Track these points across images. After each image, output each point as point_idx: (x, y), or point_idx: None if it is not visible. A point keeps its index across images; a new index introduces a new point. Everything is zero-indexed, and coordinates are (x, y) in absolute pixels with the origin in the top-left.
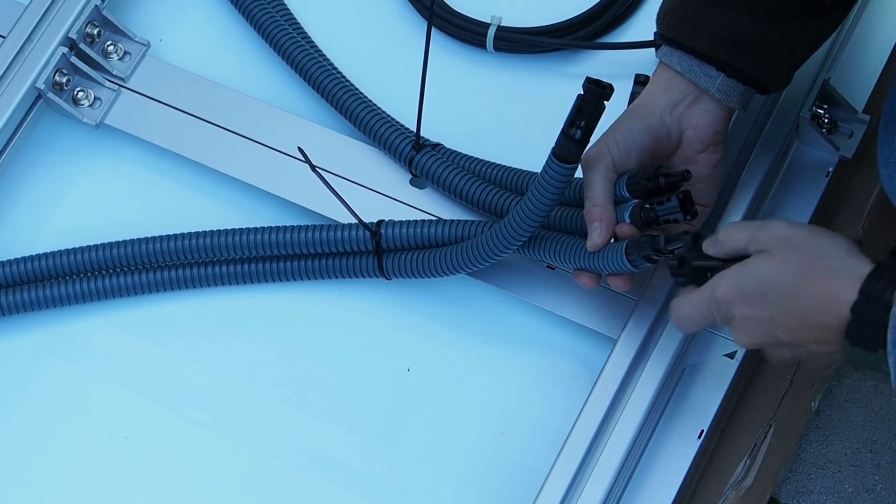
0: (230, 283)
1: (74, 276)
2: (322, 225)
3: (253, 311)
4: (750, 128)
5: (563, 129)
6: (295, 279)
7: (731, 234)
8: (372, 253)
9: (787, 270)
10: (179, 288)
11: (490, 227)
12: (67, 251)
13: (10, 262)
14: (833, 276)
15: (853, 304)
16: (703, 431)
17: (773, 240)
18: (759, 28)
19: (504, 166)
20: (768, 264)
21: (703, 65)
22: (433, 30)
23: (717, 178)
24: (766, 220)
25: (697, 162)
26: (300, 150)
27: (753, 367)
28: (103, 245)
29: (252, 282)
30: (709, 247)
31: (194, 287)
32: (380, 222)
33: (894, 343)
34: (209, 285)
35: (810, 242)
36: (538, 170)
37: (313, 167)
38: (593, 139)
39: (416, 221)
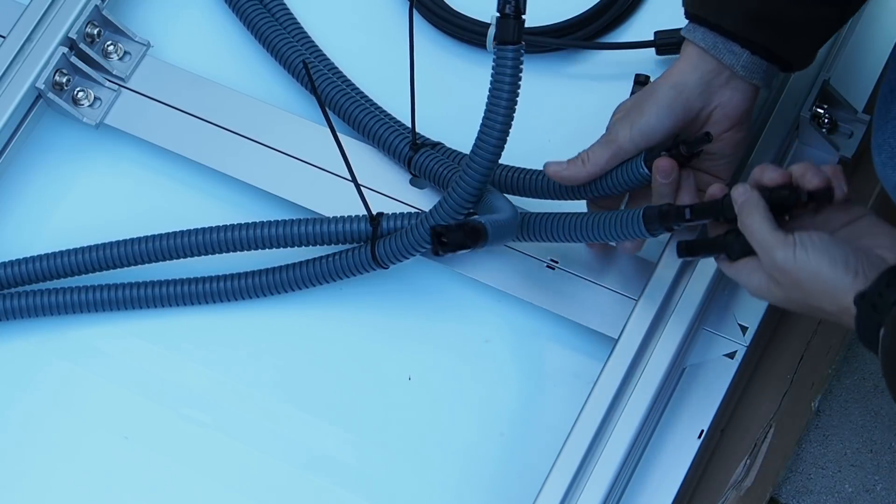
0: (229, 300)
1: (79, 282)
2: (319, 218)
3: (253, 316)
4: (750, 128)
5: (497, 12)
6: (293, 289)
7: (752, 227)
8: (366, 244)
9: (791, 301)
10: (185, 304)
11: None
12: (66, 252)
13: (12, 262)
14: (833, 316)
15: (858, 338)
16: (703, 431)
17: (777, 273)
18: (783, 5)
19: (503, 165)
20: (774, 291)
21: (728, 42)
22: (433, 30)
23: (737, 156)
24: (779, 241)
25: (722, 140)
26: (304, 64)
27: (753, 367)
28: (96, 246)
29: (250, 297)
30: (740, 196)
31: (199, 303)
32: (380, 214)
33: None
34: (212, 302)
35: (811, 286)
36: (536, 168)
37: (321, 103)
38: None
39: (415, 213)
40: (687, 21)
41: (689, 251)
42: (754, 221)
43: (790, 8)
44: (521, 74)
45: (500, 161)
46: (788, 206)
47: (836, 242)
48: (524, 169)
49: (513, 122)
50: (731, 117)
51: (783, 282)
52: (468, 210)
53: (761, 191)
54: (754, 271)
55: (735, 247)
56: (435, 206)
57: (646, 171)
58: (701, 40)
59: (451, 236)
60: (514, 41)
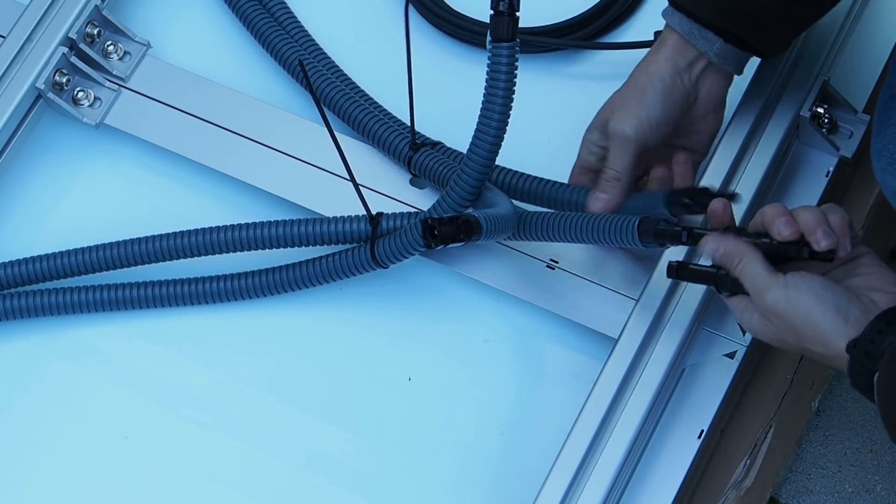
0: (229, 301)
1: (79, 283)
2: (318, 218)
3: (253, 317)
4: (750, 128)
5: (492, 10)
6: (293, 289)
7: (746, 272)
8: (366, 244)
9: (783, 342)
10: (185, 304)
11: (462, 161)
12: (66, 252)
13: (12, 262)
14: (827, 360)
15: (851, 383)
16: (703, 431)
17: (769, 314)
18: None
19: (502, 168)
20: (766, 331)
21: (703, 29)
22: (433, 29)
23: (715, 133)
24: (770, 282)
25: (707, 120)
26: (300, 63)
27: (753, 367)
28: (96, 247)
29: (250, 297)
30: (713, 250)
31: (199, 304)
32: (379, 214)
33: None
34: (212, 302)
35: (803, 329)
36: (537, 169)
37: (316, 98)
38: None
39: (415, 213)
40: (668, 4)
41: (679, 275)
42: (749, 269)
43: (765, 1)
44: (516, 72)
45: (502, 161)
46: (788, 259)
47: (826, 285)
48: (524, 174)
49: (509, 120)
50: (714, 99)
51: (777, 324)
52: (467, 207)
53: (764, 236)
54: (748, 310)
55: (727, 282)
56: (434, 205)
57: (666, 212)
58: (678, 25)
59: (442, 229)
60: (508, 38)
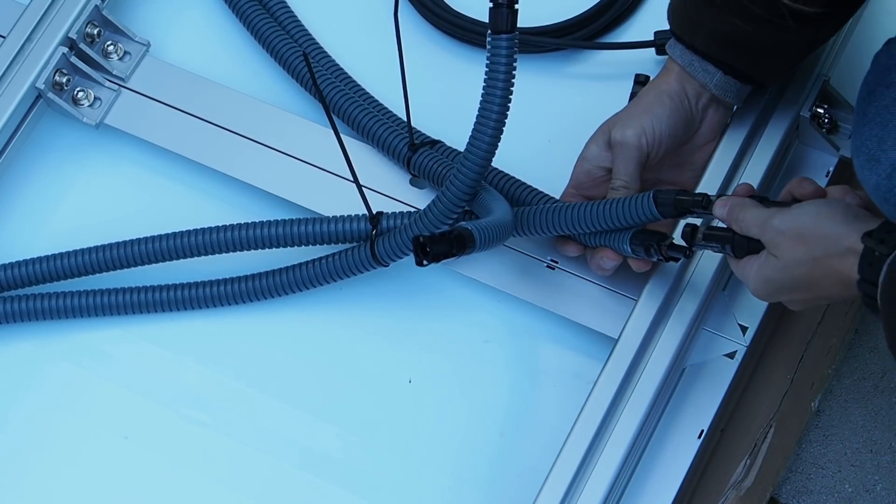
0: (230, 304)
1: (79, 285)
2: (319, 218)
3: (254, 318)
4: (750, 128)
5: (491, 2)
6: (294, 291)
7: (746, 217)
8: (366, 243)
9: (793, 267)
10: (185, 308)
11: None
12: (64, 254)
13: (13, 264)
14: (837, 262)
15: (858, 282)
16: (703, 431)
17: (778, 237)
18: (752, 31)
19: (499, 172)
20: (776, 264)
21: (703, 61)
22: (432, 29)
23: (704, 167)
24: (774, 211)
25: (703, 150)
26: (304, 55)
27: (753, 367)
28: (94, 248)
29: (251, 300)
30: (721, 211)
31: (200, 308)
32: (379, 213)
33: (885, 323)
34: (214, 306)
35: (813, 233)
36: (536, 169)
37: (316, 85)
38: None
39: (415, 211)
40: (671, 36)
41: (694, 238)
42: (750, 210)
43: (758, 34)
44: (515, 64)
45: (502, 160)
46: None
47: (831, 199)
48: (523, 182)
49: (508, 114)
50: (715, 130)
51: (784, 247)
52: (464, 206)
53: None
54: (750, 260)
55: (742, 243)
56: (433, 201)
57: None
58: (679, 56)
59: (434, 247)
60: (507, 30)
